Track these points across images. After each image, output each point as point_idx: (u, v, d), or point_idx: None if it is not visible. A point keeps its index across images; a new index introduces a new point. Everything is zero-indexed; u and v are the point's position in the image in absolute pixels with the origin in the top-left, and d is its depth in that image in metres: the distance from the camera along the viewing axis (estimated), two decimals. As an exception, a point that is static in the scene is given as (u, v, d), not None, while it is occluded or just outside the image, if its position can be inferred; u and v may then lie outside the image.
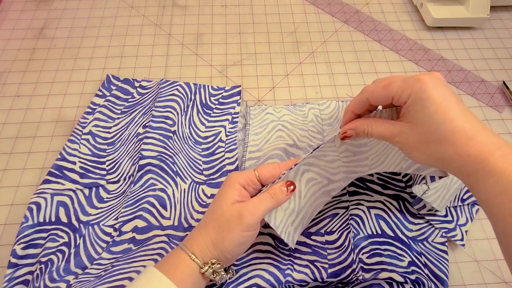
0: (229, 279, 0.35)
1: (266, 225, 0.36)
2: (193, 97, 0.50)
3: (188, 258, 0.30)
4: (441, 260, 0.38)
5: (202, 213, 0.41)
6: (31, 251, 0.37)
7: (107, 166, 0.44)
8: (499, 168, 0.24)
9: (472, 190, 0.27)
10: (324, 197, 0.37)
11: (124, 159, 0.44)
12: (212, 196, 0.43)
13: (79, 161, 0.44)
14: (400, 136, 0.29)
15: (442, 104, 0.26)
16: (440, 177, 0.35)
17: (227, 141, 0.47)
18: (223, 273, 0.32)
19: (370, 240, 0.40)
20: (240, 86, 0.52)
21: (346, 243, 0.39)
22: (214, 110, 0.50)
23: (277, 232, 0.34)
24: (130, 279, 0.34)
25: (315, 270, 0.36)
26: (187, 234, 0.39)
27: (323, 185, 0.36)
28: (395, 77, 0.30)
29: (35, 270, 0.36)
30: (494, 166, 0.25)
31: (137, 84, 0.52)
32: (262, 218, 0.31)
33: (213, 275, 0.30)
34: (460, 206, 0.42)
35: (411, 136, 0.28)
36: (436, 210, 0.41)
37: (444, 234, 0.40)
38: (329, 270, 0.36)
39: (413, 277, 0.36)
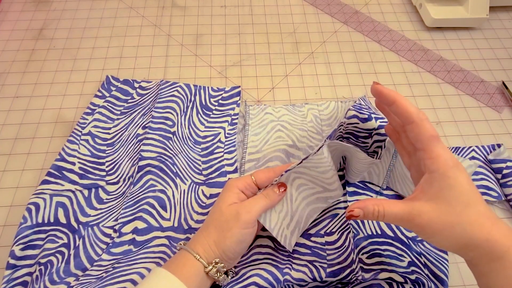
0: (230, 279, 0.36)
1: (265, 229, 0.37)
2: (193, 99, 0.50)
3: (193, 258, 0.31)
4: (441, 260, 0.38)
5: (202, 214, 0.41)
6: (29, 252, 0.37)
7: (106, 167, 0.44)
8: None
9: (485, 277, 0.26)
10: (320, 203, 0.38)
11: (123, 160, 0.44)
12: (212, 196, 0.43)
13: (79, 162, 0.44)
14: (421, 217, 0.26)
15: (467, 187, 0.26)
16: None
17: (226, 143, 0.47)
18: (225, 274, 0.33)
19: (370, 240, 0.40)
20: (239, 86, 0.52)
21: (347, 243, 0.39)
22: (214, 112, 0.50)
23: (273, 234, 0.35)
24: (132, 281, 0.34)
25: (314, 269, 0.36)
26: (187, 236, 0.39)
27: (316, 191, 0.37)
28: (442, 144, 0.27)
29: (34, 271, 0.36)
30: None
31: (136, 85, 0.52)
32: (258, 217, 0.33)
33: (217, 274, 0.32)
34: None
35: (434, 218, 0.26)
36: None
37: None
38: (328, 270, 0.36)
39: (413, 277, 0.36)
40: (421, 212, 0.26)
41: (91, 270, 0.37)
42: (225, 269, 0.33)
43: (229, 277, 0.35)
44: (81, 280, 0.36)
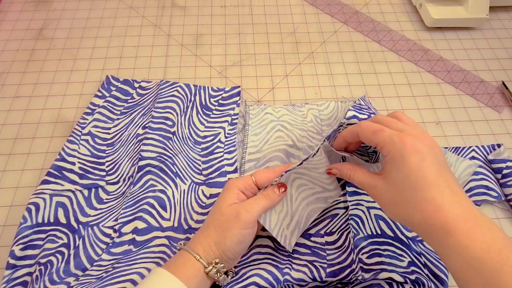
0: (230, 279, 0.36)
1: (265, 229, 0.37)
2: (193, 98, 0.50)
3: (193, 258, 0.31)
4: (441, 260, 0.38)
5: (202, 214, 0.41)
6: (29, 252, 0.37)
7: (106, 167, 0.44)
8: (462, 244, 0.24)
9: (440, 258, 0.27)
10: (320, 203, 0.38)
11: (123, 160, 0.44)
12: (212, 196, 0.43)
13: (78, 162, 0.44)
14: (374, 190, 0.30)
15: (416, 171, 0.27)
16: None
17: (226, 143, 0.47)
18: (225, 275, 0.33)
19: (369, 240, 0.40)
20: (239, 87, 0.52)
21: (346, 243, 0.39)
22: (214, 112, 0.50)
23: (272, 234, 0.35)
24: (132, 281, 0.34)
25: (314, 270, 0.36)
26: (187, 236, 0.39)
27: (316, 191, 0.37)
28: (391, 123, 0.30)
29: (34, 272, 0.36)
30: (458, 241, 0.25)
31: (136, 85, 0.52)
32: (258, 217, 0.33)
33: (217, 275, 0.32)
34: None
35: (383, 193, 0.29)
36: None
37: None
38: (328, 270, 0.36)
39: (413, 277, 0.36)
40: (376, 186, 0.30)
41: (91, 270, 0.37)
42: (225, 269, 0.33)
43: (229, 277, 0.35)
44: (81, 280, 0.36)
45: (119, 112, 0.49)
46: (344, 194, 0.42)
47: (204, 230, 0.33)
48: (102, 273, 0.36)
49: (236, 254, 0.33)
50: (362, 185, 0.32)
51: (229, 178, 0.44)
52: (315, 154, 0.33)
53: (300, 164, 0.34)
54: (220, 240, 0.32)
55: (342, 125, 0.39)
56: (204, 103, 0.50)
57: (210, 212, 0.35)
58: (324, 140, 0.34)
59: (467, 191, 0.43)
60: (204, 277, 0.31)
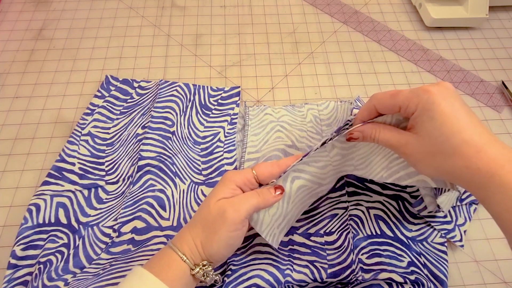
0: (219, 280, 0.34)
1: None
2: (192, 98, 0.50)
3: (179, 259, 0.29)
4: (441, 261, 0.38)
5: (201, 214, 0.41)
6: (30, 252, 0.37)
7: (106, 167, 0.44)
8: (509, 183, 0.24)
9: (483, 204, 0.26)
10: (311, 198, 0.37)
11: (123, 160, 0.44)
12: (211, 196, 0.42)
13: (78, 162, 0.44)
14: (406, 146, 0.28)
15: (450, 115, 0.26)
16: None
17: (225, 142, 0.47)
18: (213, 275, 0.31)
19: (369, 240, 0.40)
20: (239, 87, 0.52)
21: (346, 243, 0.39)
22: (213, 111, 0.50)
23: (262, 235, 0.33)
24: None
25: (315, 270, 0.36)
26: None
27: (312, 189, 0.36)
28: (404, 89, 0.29)
29: (34, 271, 0.36)
30: (505, 180, 0.24)
31: (136, 85, 0.52)
32: (247, 217, 0.31)
33: (204, 276, 0.30)
34: (458, 206, 0.42)
35: (417, 148, 0.28)
36: (437, 211, 0.41)
37: (443, 235, 0.40)
38: (329, 271, 0.36)
39: (412, 277, 0.36)
40: (407, 142, 0.28)
41: (89, 268, 0.37)
42: (212, 271, 0.31)
43: (217, 276, 0.32)
44: (78, 276, 0.36)
45: (118, 112, 0.49)
46: (344, 195, 0.42)
47: (191, 228, 0.31)
48: (99, 270, 0.36)
49: (224, 257, 0.31)
50: (390, 144, 0.30)
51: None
52: (322, 145, 0.32)
53: (300, 160, 0.33)
54: (207, 243, 0.30)
55: (348, 123, 0.39)
56: (203, 102, 0.50)
57: (200, 207, 0.32)
58: (333, 134, 0.33)
59: (464, 192, 0.43)
60: (190, 279, 0.30)
